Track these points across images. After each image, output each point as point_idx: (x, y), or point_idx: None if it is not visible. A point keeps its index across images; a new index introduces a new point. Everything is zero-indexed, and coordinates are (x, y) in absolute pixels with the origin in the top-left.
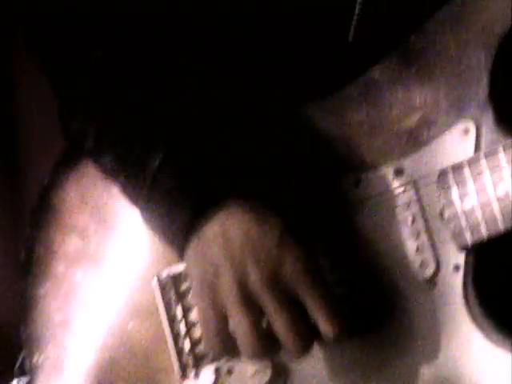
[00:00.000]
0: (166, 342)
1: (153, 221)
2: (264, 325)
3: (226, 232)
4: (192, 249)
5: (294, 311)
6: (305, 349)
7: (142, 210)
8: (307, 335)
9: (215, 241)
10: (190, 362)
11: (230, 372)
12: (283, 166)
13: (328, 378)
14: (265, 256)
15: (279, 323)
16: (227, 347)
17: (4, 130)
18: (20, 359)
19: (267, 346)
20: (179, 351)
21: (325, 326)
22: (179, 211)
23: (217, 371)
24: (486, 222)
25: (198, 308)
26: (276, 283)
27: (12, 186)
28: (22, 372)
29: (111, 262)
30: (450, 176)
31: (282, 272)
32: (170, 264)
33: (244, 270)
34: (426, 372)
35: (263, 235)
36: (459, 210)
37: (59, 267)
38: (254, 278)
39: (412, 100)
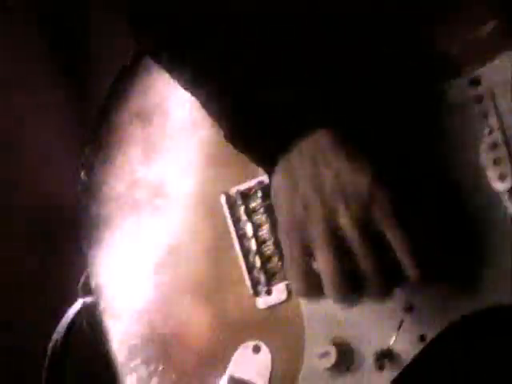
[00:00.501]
0: (235, 259)
1: (237, 137)
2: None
3: (317, 165)
4: (281, 177)
5: (380, 252)
6: (388, 290)
7: (227, 123)
8: (392, 276)
9: (305, 173)
10: (262, 278)
11: None
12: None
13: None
14: (356, 195)
15: (367, 262)
16: (311, 285)
17: (75, 39)
18: (83, 278)
19: (351, 286)
20: (250, 268)
21: (410, 270)
22: (267, 135)
23: (289, 287)
24: None
25: (284, 241)
26: (366, 223)
27: (80, 98)
28: (86, 292)
29: (174, 181)
30: None
31: (373, 212)
32: (237, 181)
33: (334, 207)
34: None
35: (355, 173)
36: None
37: (120, 187)
38: (344, 215)
39: (485, 9)
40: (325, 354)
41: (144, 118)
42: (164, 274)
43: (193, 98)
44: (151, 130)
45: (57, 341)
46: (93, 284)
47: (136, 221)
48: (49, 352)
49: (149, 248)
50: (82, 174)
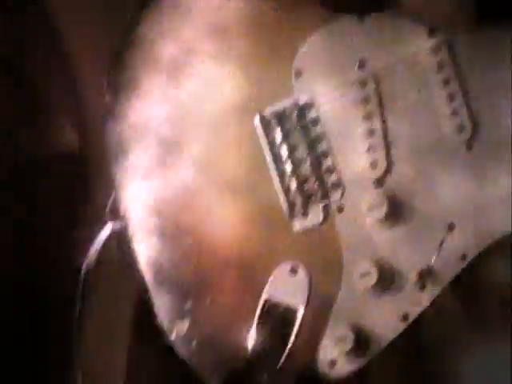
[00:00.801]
0: (270, 181)
1: None
2: None
3: None
4: None
5: None
6: None
7: None
8: None
9: None
10: (298, 200)
11: (340, 209)
12: None
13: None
14: None
15: None
16: None
17: None
18: (110, 203)
19: None
20: (286, 190)
21: None
22: None
23: (325, 209)
24: None
25: None
26: None
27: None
28: (114, 217)
29: (204, 102)
30: None
31: None
32: (271, 101)
33: None
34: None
35: None
36: None
37: (145, 110)
38: None
39: None
40: (365, 275)
41: (169, 38)
42: (194, 196)
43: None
44: (176, 50)
45: (88, 269)
46: (120, 208)
47: (164, 142)
48: (81, 281)
49: (176, 170)
50: (107, 97)
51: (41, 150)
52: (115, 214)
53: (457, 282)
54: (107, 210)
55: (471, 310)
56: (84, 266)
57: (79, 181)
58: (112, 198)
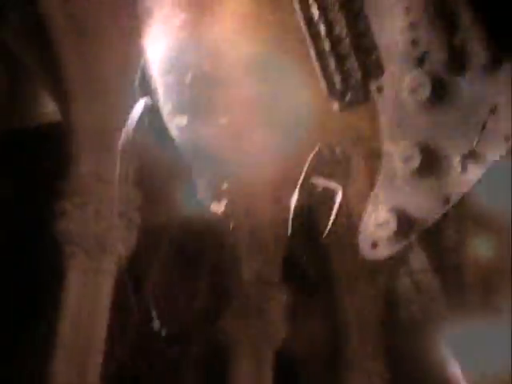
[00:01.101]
0: (309, 60)
1: None
2: None
3: None
4: None
5: None
6: None
7: None
8: None
9: None
10: (337, 79)
11: (380, 89)
12: None
13: None
14: None
15: None
16: None
17: None
18: (139, 73)
19: None
20: (324, 69)
21: None
22: None
23: (365, 88)
24: None
25: None
26: None
27: None
28: (144, 91)
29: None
30: None
31: None
32: None
33: None
34: None
35: None
36: None
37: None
38: None
39: None
40: (407, 158)
41: None
42: (228, 74)
43: None
44: None
45: (124, 145)
46: (150, 77)
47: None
48: (119, 159)
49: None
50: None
51: (23, 122)
52: (145, 88)
53: (437, 261)
54: (136, 83)
55: (451, 289)
56: (120, 143)
57: (62, 150)
58: (140, 67)
